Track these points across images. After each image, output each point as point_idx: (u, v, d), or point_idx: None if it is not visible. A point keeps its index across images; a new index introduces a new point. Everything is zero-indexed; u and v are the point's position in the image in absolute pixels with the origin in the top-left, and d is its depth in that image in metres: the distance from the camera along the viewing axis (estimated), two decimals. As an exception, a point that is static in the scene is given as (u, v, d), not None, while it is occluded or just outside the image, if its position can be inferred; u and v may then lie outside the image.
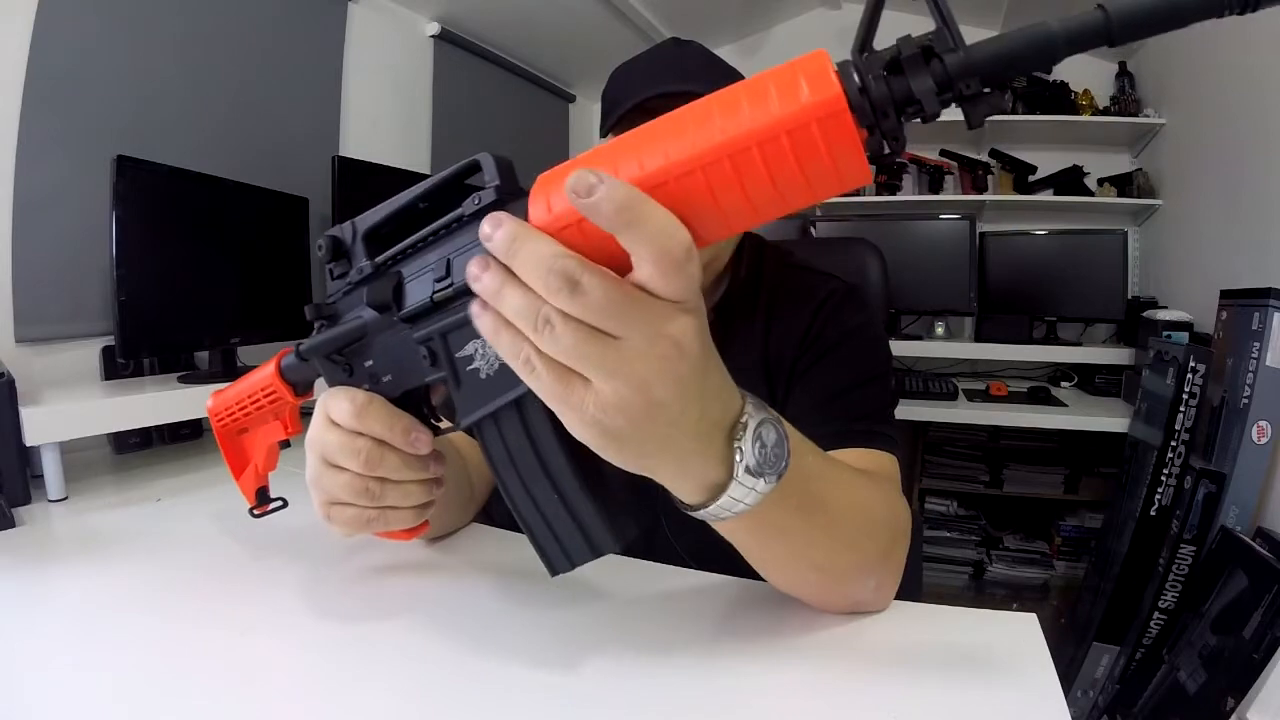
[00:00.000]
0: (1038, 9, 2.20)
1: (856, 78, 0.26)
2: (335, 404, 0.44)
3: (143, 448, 1.17)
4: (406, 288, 0.39)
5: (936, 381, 2.15)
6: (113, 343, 1.13)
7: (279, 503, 0.62)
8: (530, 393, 0.33)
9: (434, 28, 2.09)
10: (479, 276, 0.30)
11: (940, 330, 2.33)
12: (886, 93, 0.26)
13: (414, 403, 0.45)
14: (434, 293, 0.37)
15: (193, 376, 1.20)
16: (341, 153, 1.75)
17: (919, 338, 2.31)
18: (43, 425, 0.90)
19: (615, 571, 0.59)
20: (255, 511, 0.61)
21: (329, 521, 0.47)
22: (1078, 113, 2.24)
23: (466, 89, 2.26)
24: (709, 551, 0.60)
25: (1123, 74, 2.25)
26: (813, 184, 0.27)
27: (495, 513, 0.76)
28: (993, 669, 0.45)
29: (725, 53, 2.87)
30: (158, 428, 1.19)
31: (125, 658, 0.49)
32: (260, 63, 1.60)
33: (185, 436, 1.24)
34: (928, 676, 0.45)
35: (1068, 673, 1.67)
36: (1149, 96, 2.19)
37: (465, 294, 0.35)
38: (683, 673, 0.46)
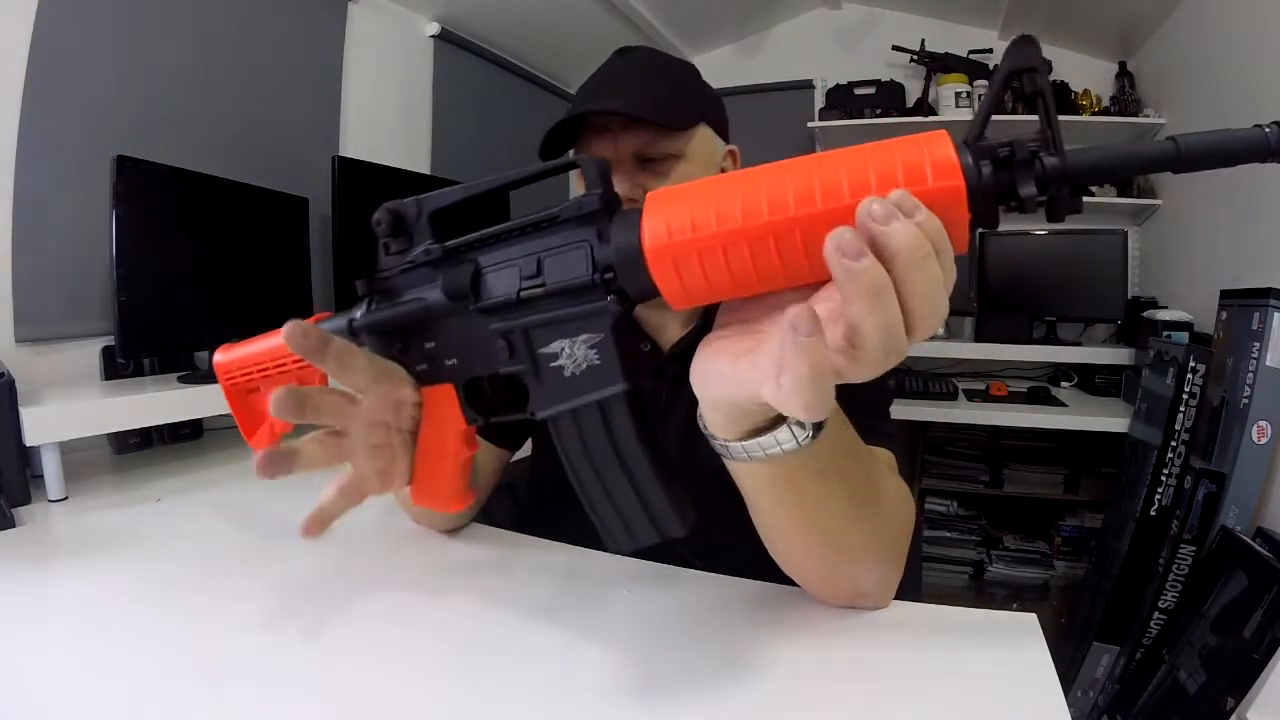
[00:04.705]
0: (1038, 10, 2.20)
1: (974, 166, 0.29)
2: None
3: (143, 448, 1.18)
4: (486, 278, 0.39)
5: (936, 381, 2.15)
6: (113, 343, 1.13)
7: None
8: (615, 396, 0.35)
9: (434, 28, 2.09)
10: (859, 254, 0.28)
11: (940, 330, 2.33)
12: (994, 185, 0.29)
13: (479, 389, 0.45)
14: (520, 289, 0.37)
15: (193, 376, 1.20)
16: (341, 153, 1.75)
17: (919, 337, 2.31)
18: (43, 425, 0.90)
19: (622, 571, 0.59)
20: None
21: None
22: (1078, 113, 2.23)
23: (466, 89, 2.26)
24: (716, 554, 0.60)
25: (1123, 74, 2.24)
26: None
27: (495, 512, 0.76)
28: (993, 669, 0.45)
29: (725, 53, 2.90)
30: (158, 428, 1.19)
31: (125, 657, 0.49)
32: (260, 63, 1.60)
33: (185, 436, 1.24)
34: (928, 676, 0.45)
35: (1068, 673, 1.67)
36: (1149, 96, 2.18)
37: (557, 295, 0.36)
38: (685, 671, 0.46)
